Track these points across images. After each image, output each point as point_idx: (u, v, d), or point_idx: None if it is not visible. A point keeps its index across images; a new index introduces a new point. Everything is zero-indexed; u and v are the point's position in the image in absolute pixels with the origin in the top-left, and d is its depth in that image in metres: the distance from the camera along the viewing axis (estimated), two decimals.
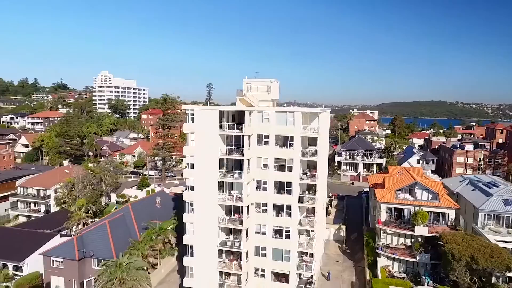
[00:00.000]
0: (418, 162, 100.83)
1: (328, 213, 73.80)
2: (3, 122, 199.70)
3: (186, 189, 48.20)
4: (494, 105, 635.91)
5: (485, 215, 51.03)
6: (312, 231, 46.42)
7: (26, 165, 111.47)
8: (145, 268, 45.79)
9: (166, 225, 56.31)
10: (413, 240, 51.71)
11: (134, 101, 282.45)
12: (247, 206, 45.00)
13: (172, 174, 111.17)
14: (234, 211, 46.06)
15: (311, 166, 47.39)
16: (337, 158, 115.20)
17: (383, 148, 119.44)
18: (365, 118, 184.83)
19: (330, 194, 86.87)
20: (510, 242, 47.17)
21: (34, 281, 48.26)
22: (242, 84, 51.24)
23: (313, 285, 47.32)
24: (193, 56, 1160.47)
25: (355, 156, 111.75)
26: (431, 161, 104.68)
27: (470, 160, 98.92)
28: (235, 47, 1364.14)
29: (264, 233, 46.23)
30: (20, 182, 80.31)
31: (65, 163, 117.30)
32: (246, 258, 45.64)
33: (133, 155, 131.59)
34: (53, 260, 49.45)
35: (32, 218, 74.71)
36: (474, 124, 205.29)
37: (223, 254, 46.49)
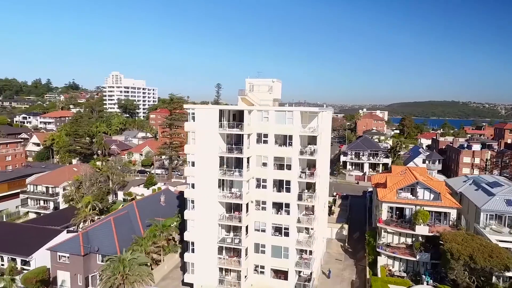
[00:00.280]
0: (424, 162, 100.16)
1: (331, 212, 74.09)
2: (16, 121, 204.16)
3: (187, 187, 49.12)
4: (508, 105, 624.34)
5: (487, 215, 50.65)
6: (311, 229, 46.85)
7: (37, 164, 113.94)
8: (148, 264, 46.82)
9: (169, 222, 57.28)
10: (414, 239, 51.79)
11: (144, 101, 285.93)
12: (247, 204, 45.69)
13: (179, 173, 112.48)
14: (234, 208, 46.76)
15: (311, 165, 47.82)
16: (342, 158, 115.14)
17: (389, 148, 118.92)
18: (373, 118, 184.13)
19: (334, 194, 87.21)
20: (511, 242, 46.83)
21: (41, 275, 49.55)
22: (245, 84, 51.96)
23: (312, 283, 47.77)
24: (205, 57, 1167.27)
25: (360, 156, 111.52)
26: (437, 161, 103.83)
27: (477, 161, 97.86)
28: (246, 48, 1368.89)
29: (263, 231, 46.84)
30: (30, 180, 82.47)
31: (74, 161, 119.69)
32: (246, 255, 46.33)
33: (141, 154, 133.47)
34: (59, 255, 50.79)
35: (41, 214, 76.62)
36: (484, 124, 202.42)
37: (223, 251, 47.25)
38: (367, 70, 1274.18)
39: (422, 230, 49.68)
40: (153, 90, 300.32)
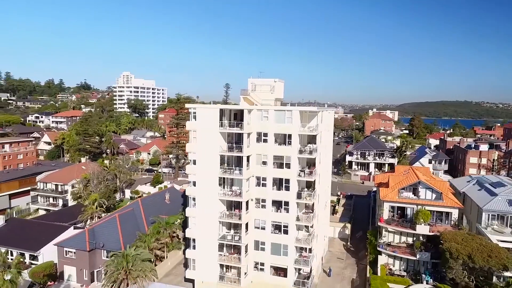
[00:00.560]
0: (430, 162, 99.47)
1: (335, 212, 74.36)
2: (29, 121, 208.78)
3: (188, 185, 50.06)
4: None
5: (489, 215, 50.35)
6: (311, 227, 47.32)
7: (48, 162, 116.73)
8: (151, 260, 47.91)
9: (173, 219, 58.43)
10: (414, 239, 51.83)
11: (153, 100, 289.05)
12: (247, 202, 46.39)
13: (185, 172, 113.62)
14: (234, 206, 47.53)
15: (311, 163, 48.30)
16: (348, 158, 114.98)
17: (395, 148, 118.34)
18: (381, 118, 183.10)
19: (339, 193, 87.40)
20: None
21: (48, 269, 51.09)
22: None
23: (311, 280, 48.26)
24: (215, 57, 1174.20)
25: (366, 156, 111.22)
26: (443, 162, 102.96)
27: (484, 161, 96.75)
28: (259, 49, 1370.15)
29: (263, 228, 47.48)
30: (40, 178, 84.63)
31: (83, 160, 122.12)
32: (246, 252, 47.05)
33: (149, 153, 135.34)
34: (66, 251, 52.43)
35: (51, 211, 78.66)
36: (495, 124, 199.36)
37: (224, 248, 48.02)
38: (378, 70, 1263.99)
39: (422, 229, 49.70)
40: (163, 90, 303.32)
